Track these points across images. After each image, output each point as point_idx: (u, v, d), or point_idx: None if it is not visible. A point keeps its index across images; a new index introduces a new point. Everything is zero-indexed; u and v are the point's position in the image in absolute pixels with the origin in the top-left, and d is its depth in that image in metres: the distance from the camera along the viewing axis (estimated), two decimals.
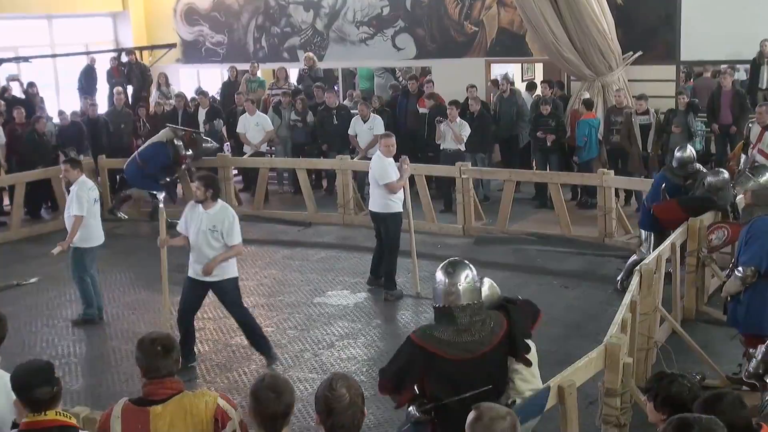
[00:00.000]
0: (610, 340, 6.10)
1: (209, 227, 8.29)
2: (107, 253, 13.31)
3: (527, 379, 5.21)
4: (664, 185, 10.04)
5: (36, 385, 4.21)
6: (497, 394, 5.09)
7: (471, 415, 3.84)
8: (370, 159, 11.68)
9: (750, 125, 12.46)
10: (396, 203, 10.52)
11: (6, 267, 12.40)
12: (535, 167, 15.17)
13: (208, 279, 8.42)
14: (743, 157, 12.18)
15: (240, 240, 8.47)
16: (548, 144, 14.54)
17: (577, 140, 14.45)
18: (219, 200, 8.47)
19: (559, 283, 11.06)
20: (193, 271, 8.48)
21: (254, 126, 15.87)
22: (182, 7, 20.43)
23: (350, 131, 15.13)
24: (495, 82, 17.17)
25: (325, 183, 16.67)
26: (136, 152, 14.41)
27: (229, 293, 8.64)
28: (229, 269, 8.54)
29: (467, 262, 5.21)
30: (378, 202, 10.61)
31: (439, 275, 5.13)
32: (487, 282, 5.50)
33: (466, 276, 5.09)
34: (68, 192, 10.09)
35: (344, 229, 14.02)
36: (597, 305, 10.09)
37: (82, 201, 9.84)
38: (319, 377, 8.25)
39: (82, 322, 10.17)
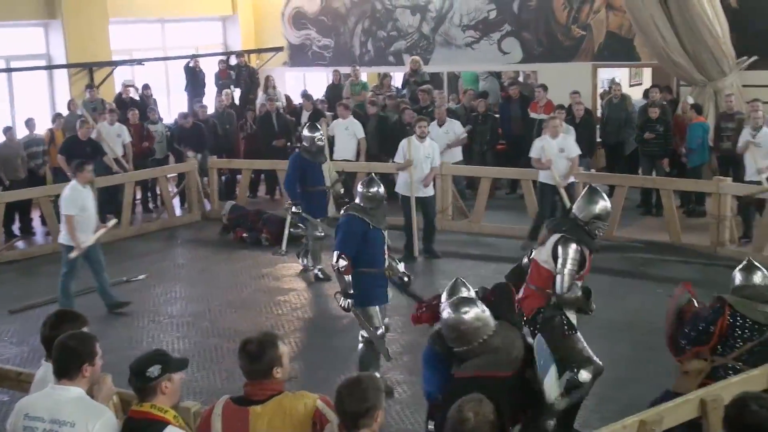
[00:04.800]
0: None
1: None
2: (212, 249, 13.68)
3: None
4: None
5: (132, 374, 4.32)
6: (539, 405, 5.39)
7: None
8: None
9: None
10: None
11: (117, 264, 12.73)
12: (641, 174, 14.83)
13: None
14: None
15: None
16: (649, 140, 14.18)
17: (690, 143, 14.06)
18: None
19: (664, 292, 10.76)
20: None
21: (344, 131, 15.08)
22: (290, 11, 20.67)
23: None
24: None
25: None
26: None
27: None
28: None
29: (467, 297, 5.57)
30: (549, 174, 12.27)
31: (457, 319, 5.31)
32: (462, 287, 5.91)
33: (479, 307, 5.36)
34: None
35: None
36: None
37: None
38: None
39: None
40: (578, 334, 6.87)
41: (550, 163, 12.35)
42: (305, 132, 11.95)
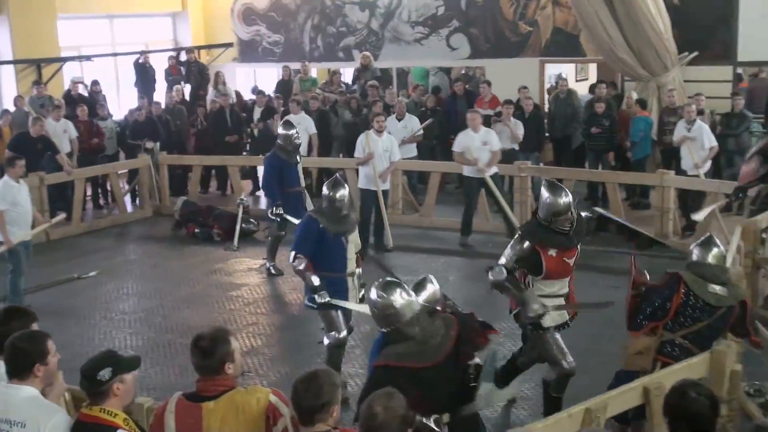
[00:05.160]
0: (717, 348, 5.97)
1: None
2: (164, 245, 13.68)
3: None
4: None
5: (83, 378, 4.28)
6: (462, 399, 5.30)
7: None
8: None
9: None
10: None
11: (67, 261, 12.70)
12: (587, 167, 15.10)
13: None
14: None
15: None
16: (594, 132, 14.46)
17: (633, 136, 14.37)
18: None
19: (607, 284, 10.96)
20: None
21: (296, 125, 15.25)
22: (240, 7, 20.65)
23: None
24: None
25: None
26: None
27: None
28: None
29: (397, 280, 5.37)
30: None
31: (374, 300, 5.21)
32: (430, 283, 5.91)
33: (400, 293, 5.18)
34: None
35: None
36: None
37: None
38: None
39: None
40: (549, 333, 6.94)
41: (477, 162, 12.50)
42: (280, 130, 11.70)
